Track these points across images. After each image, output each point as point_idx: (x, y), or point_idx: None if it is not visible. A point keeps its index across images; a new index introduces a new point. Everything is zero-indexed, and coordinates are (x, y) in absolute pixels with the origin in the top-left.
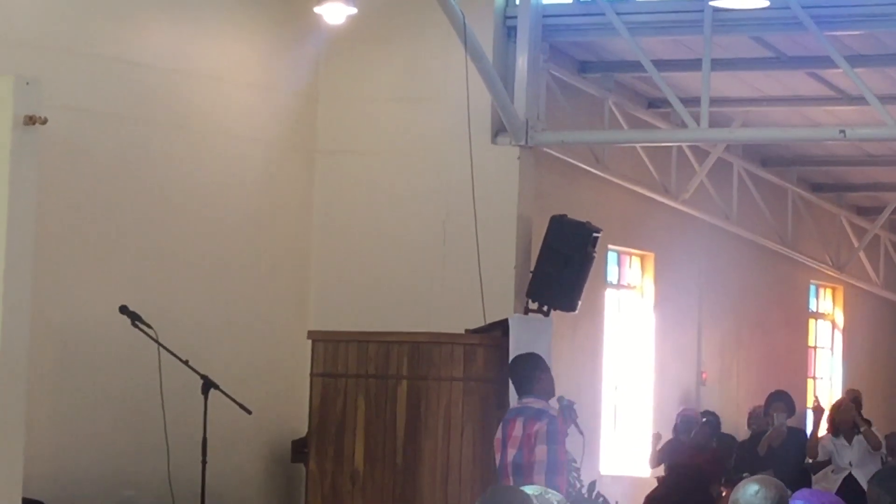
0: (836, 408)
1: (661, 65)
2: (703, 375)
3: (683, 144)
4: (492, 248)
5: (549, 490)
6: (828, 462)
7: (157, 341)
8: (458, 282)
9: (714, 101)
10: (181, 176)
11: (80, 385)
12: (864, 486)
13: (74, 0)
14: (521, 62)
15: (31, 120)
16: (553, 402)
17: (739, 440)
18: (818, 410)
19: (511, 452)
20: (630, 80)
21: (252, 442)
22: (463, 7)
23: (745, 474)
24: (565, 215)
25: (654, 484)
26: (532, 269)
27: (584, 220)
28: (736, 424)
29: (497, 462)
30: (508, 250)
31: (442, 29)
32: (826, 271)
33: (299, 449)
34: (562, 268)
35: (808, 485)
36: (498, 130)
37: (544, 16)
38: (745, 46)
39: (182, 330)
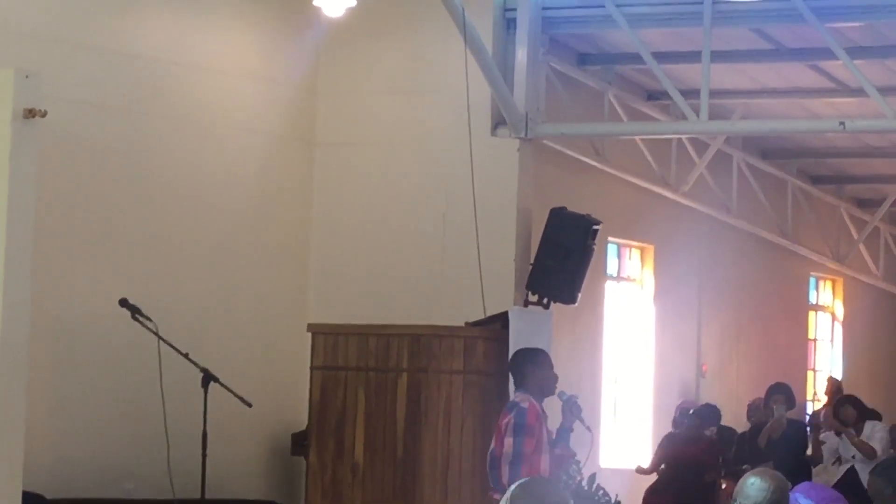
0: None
1: (660, 57)
2: (703, 367)
3: (683, 137)
4: (492, 241)
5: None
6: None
7: (156, 334)
8: (457, 274)
9: (714, 94)
10: (181, 168)
11: (79, 378)
12: (864, 480)
13: None
14: (521, 54)
15: (30, 113)
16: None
17: (739, 432)
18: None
19: (491, 445)
20: (630, 72)
21: (252, 435)
22: None
23: (745, 466)
24: (565, 208)
25: (654, 477)
26: (532, 261)
27: (583, 212)
28: (736, 416)
29: None
30: (508, 243)
31: (441, 21)
32: (826, 263)
33: (299, 441)
34: (562, 260)
35: (809, 477)
36: (498, 123)
37: (544, 8)
38: (745, 38)
39: (182, 323)
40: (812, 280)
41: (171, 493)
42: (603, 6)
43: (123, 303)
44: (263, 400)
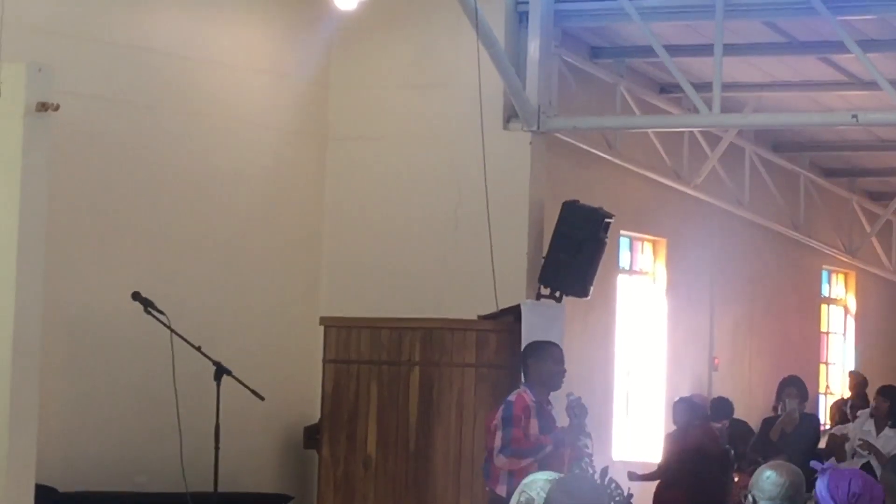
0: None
1: (673, 50)
2: (716, 361)
3: (695, 130)
4: (504, 234)
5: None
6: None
7: (169, 328)
8: (470, 268)
9: (726, 87)
10: (193, 163)
11: (92, 371)
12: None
13: None
14: (533, 48)
15: (43, 107)
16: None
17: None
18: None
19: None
20: (642, 65)
21: (265, 428)
22: None
23: (759, 459)
24: (577, 201)
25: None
26: (544, 254)
27: (596, 205)
28: (748, 409)
29: None
30: (520, 236)
31: (453, 15)
32: (838, 256)
33: (312, 435)
34: (574, 253)
35: None
36: (510, 116)
37: (556, 1)
38: (757, 31)
39: (195, 316)
40: (824, 273)
41: (184, 486)
42: None
43: (136, 296)
44: (276, 393)
